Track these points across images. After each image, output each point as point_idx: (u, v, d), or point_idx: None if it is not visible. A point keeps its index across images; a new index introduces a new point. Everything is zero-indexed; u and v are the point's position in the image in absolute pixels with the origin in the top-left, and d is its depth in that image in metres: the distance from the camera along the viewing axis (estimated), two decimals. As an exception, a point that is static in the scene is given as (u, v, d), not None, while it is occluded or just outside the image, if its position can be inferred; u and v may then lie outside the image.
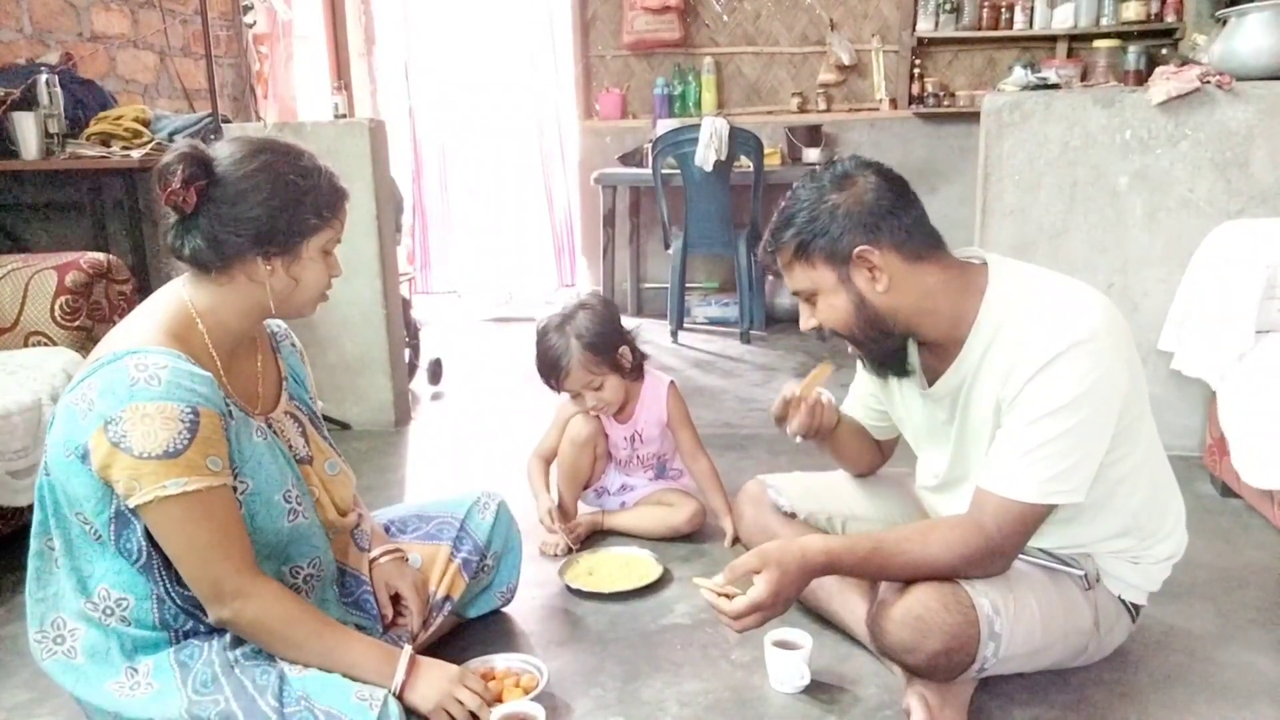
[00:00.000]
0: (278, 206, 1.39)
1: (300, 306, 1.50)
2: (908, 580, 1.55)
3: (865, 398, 1.87)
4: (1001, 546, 1.49)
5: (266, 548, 1.45)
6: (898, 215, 1.49)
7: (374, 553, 1.71)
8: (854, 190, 1.50)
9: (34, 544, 1.44)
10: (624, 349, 2.27)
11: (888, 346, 1.57)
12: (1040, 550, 1.61)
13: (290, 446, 1.54)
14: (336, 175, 1.48)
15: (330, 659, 1.41)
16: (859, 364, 1.79)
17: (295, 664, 1.40)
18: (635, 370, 2.33)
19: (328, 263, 1.49)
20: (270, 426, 1.51)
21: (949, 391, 1.59)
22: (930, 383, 1.63)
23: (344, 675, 1.39)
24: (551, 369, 2.24)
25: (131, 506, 1.31)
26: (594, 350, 2.21)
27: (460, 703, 1.47)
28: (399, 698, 1.41)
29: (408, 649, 1.49)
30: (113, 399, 1.28)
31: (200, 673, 1.37)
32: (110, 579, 1.39)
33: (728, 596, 1.53)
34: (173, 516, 1.31)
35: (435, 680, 1.48)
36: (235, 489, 1.39)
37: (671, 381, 2.41)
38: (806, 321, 1.59)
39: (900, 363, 1.61)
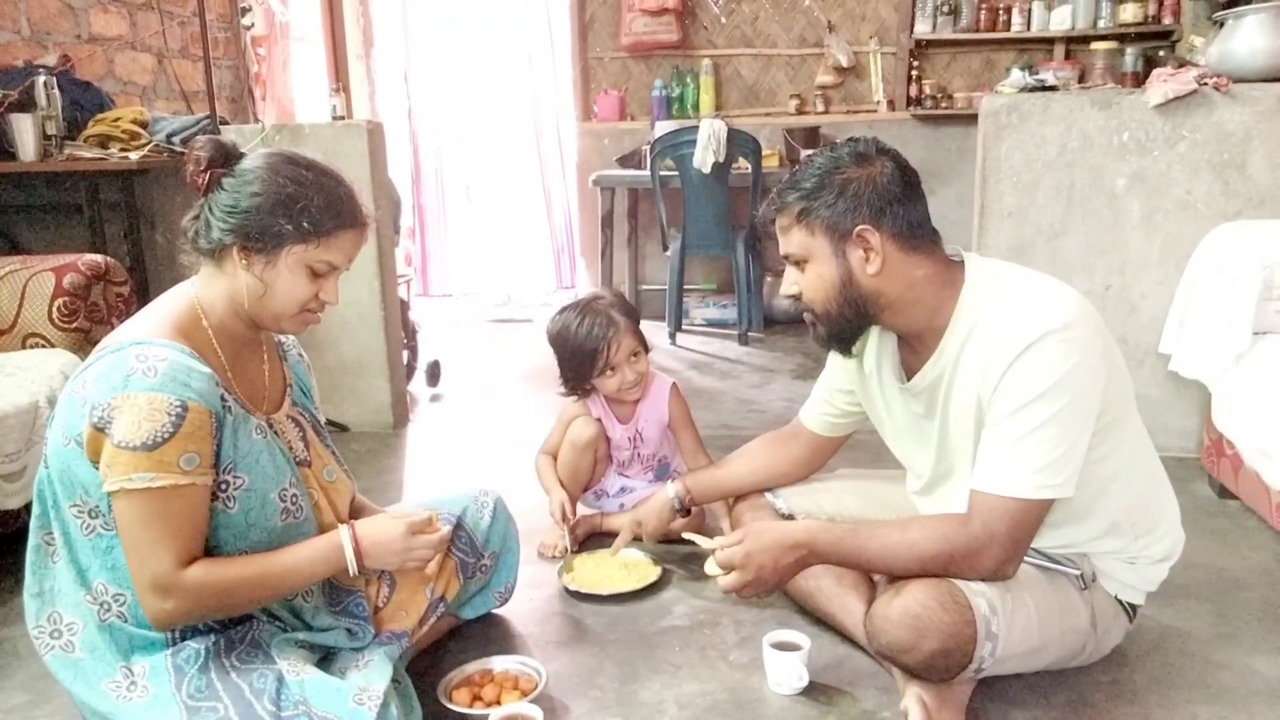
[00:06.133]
0: (264, 205, 1.41)
1: (276, 317, 1.48)
2: (887, 570, 1.59)
3: (833, 394, 1.89)
4: (985, 543, 1.49)
5: (260, 547, 1.46)
6: (904, 204, 1.52)
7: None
8: (870, 170, 1.52)
9: (32, 538, 1.46)
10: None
11: (852, 326, 1.59)
12: (1036, 550, 1.61)
13: (290, 448, 1.56)
14: (344, 203, 1.47)
15: (286, 592, 1.48)
16: (830, 357, 1.81)
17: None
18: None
19: (317, 284, 1.47)
20: (271, 426, 1.53)
21: (928, 386, 1.60)
22: (909, 377, 1.64)
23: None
24: (598, 346, 2.24)
25: (103, 492, 1.34)
26: (632, 318, 2.29)
27: (421, 549, 1.54)
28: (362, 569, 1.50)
29: (343, 531, 1.49)
30: (106, 385, 1.32)
31: (196, 677, 1.37)
32: (106, 575, 1.40)
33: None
34: (133, 507, 1.33)
35: (384, 547, 1.51)
36: (228, 484, 1.41)
37: (674, 383, 2.42)
38: (788, 287, 1.62)
39: (848, 344, 1.64)
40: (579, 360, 2.28)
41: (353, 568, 1.48)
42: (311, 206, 1.42)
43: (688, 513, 2.14)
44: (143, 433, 1.30)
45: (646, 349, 2.34)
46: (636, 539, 2.32)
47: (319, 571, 1.48)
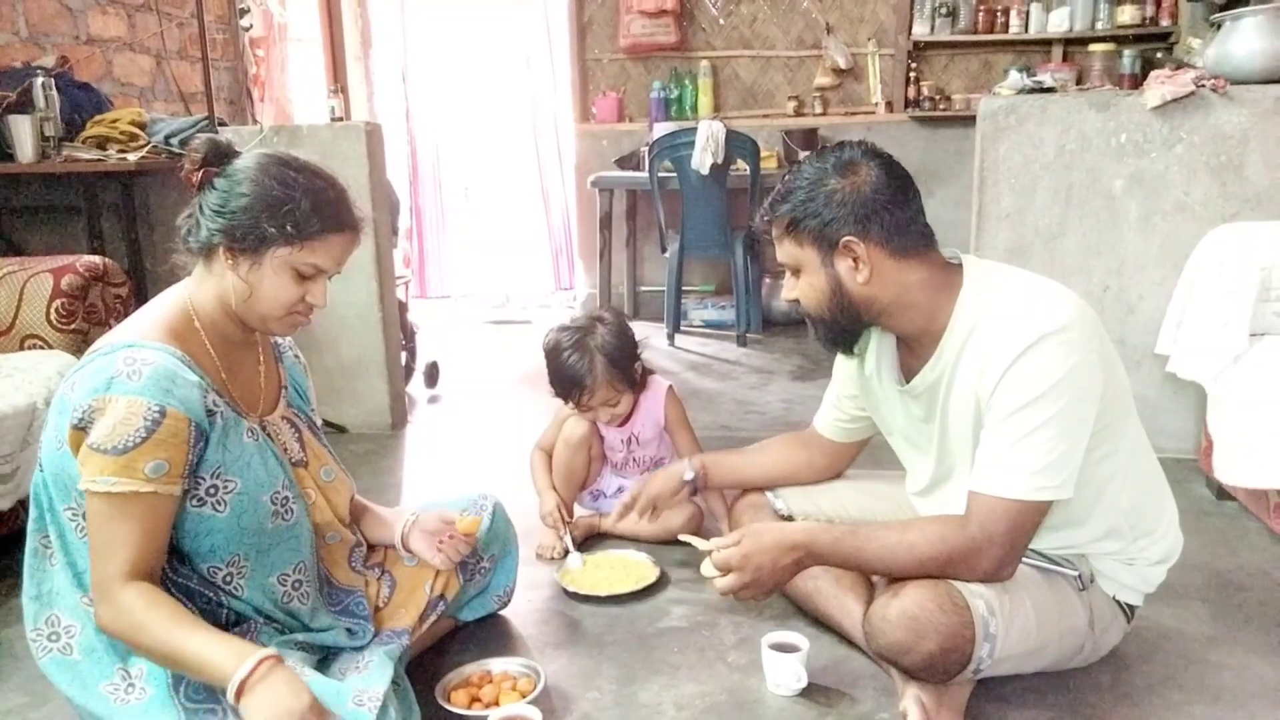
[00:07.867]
0: (250, 205, 1.41)
1: (263, 318, 1.47)
2: (886, 571, 1.59)
3: (841, 400, 1.90)
4: (983, 545, 1.49)
5: (252, 550, 1.46)
6: (891, 211, 1.51)
7: (400, 529, 1.73)
8: (854, 179, 1.52)
9: (30, 542, 1.46)
10: (638, 364, 2.31)
11: (848, 330, 1.61)
12: (1035, 551, 1.61)
13: (285, 449, 1.55)
14: (333, 206, 1.45)
15: (180, 666, 1.33)
16: (836, 362, 1.84)
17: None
18: (641, 382, 2.35)
19: (304, 287, 1.45)
20: (264, 429, 1.53)
21: (927, 388, 1.61)
22: (908, 379, 1.64)
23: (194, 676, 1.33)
24: (575, 386, 2.24)
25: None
26: (617, 367, 2.23)
27: None
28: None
29: (261, 653, 1.28)
30: (90, 387, 1.32)
31: (194, 679, 1.37)
32: None
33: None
34: (95, 509, 1.33)
35: (271, 702, 1.24)
36: (218, 488, 1.40)
37: (669, 385, 2.42)
38: (788, 292, 1.64)
39: (849, 344, 1.66)
40: (558, 385, 2.29)
41: (231, 694, 1.26)
42: (297, 209, 1.40)
43: (695, 491, 2.12)
44: (116, 436, 1.29)
45: (633, 384, 2.29)
46: (633, 538, 2.32)
47: (210, 675, 1.30)
